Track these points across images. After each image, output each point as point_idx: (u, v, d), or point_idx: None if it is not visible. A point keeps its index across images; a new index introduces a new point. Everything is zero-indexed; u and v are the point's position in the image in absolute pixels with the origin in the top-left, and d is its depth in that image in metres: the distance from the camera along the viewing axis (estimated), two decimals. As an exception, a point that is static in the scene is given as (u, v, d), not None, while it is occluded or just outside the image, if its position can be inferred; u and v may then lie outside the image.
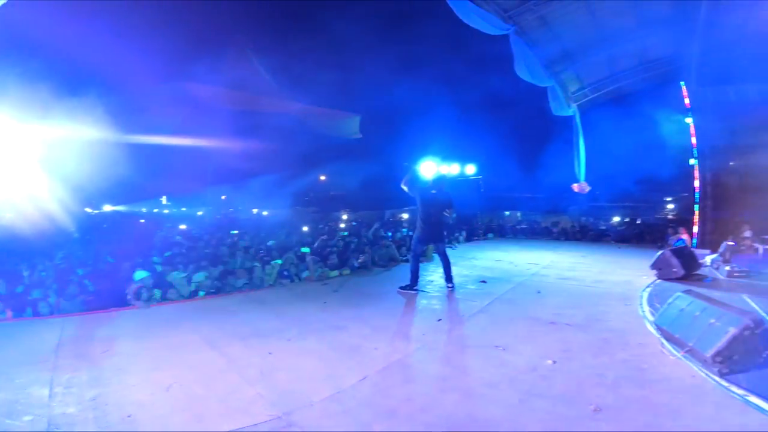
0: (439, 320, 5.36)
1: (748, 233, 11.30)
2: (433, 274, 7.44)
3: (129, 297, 6.03)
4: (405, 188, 7.00)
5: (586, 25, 9.64)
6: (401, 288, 6.84)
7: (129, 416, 2.95)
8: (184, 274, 6.96)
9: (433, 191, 6.98)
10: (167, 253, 8.43)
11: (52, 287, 6.39)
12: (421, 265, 7.21)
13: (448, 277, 6.93)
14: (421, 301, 6.37)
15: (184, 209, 27.81)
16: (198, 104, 15.33)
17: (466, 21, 7.04)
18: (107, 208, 25.78)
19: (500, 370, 3.76)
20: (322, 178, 30.84)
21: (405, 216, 19.84)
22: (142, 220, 19.35)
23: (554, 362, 3.88)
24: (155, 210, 28.25)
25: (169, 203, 29.79)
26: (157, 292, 6.19)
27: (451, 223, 8.86)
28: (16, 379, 3.44)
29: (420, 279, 6.98)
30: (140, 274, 6.43)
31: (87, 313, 5.52)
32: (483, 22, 7.17)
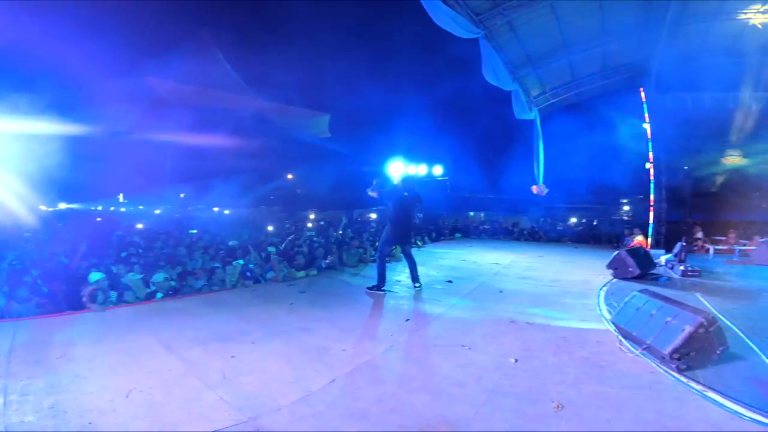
0: (407, 320, 5.39)
1: (699, 234, 11.87)
2: (400, 275, 7.47)
3: (84, 299, 5.76)
4: (373, 194, 7.02)
5: (551, 31, 9.91)
6: (369, 288, 6.83)
7: (89, 423, 2.84)
8: (140, 276, 6.71)
9: (405, 193, 7.01)
10: (123, 254, 8.11)
11: (2, 289, 6.04)
12: (388, 265, 7.23)
13: (415, 277, 6.98)
14: (389, 302, 6.39)
15: (141, 207, 26.95)
16: (158, 100, 14.86)
17: (438, 23, 7.09)
18: (62, 206, 24.67)
19: (467, 369, 3.80)
20: (289, 177, 30.46)
21: (373, 216, 19.88)
22: (99, 219, 18.57)
23: (517, 361, 3.96)
24: (111, 208, 27.25)
25: (125, 201, 28.79)
26: (113, 295, 5.94)
27: (418, 223, 8.91)
28: None
29: (387, 279, 6.97)
30: (95, 276, 6.15)
31: (40, 317, 5.22)
32: (455, 25, 7.25)
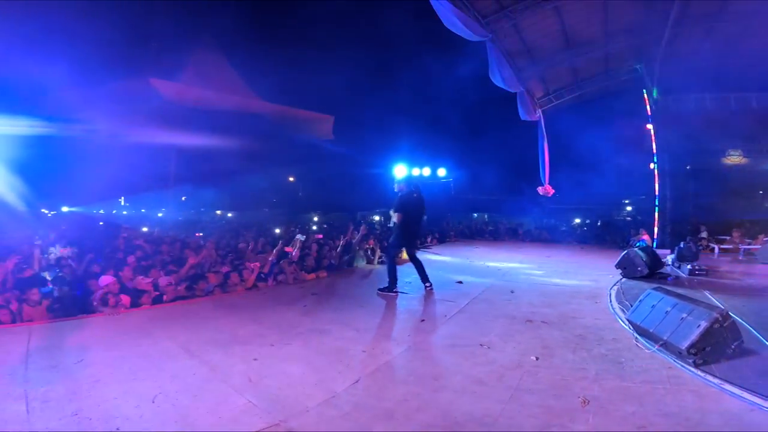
0: (423, 321, 5.41)
1: (704, 234, 11.92)
2: (410, 276, 7.47)
3: (95, 303, 5.77)
4: (395, 214, 6.95)
5: (555, 33, 9.97)
6: (380, 290, 6.85)
7: (117, 429, 2.79)
8: (149, 279, 6.71)
9: (415, 195, 7.02)
10: (131, 257, 8.11)
11: (13, 293, 6.03)
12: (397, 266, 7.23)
13: (425, 278, 6.98)
14: (402, 302, 6.42)
15: (143, 210, 26.85)
16: (161, 102, 14.85)
17: (447, 25, 7.13)
18: (64, 209, 24.61)
19: (488, 368, 3.83)
20: (291, 179, 30.43)
21: (376, 218, 19.89)
22: (101, 222, 18.51)
23: (537, 359, 4.00)
24: (114, 211, 27.16)
25: (127, 204, 28.70)
26: (125, 298, 5.94)
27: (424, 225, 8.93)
28: None
29: (398, 280, 6.97)
30: (105, 280, 6.17)
31: (53, 321, 5.18)
32: (464, 28, 7.28)
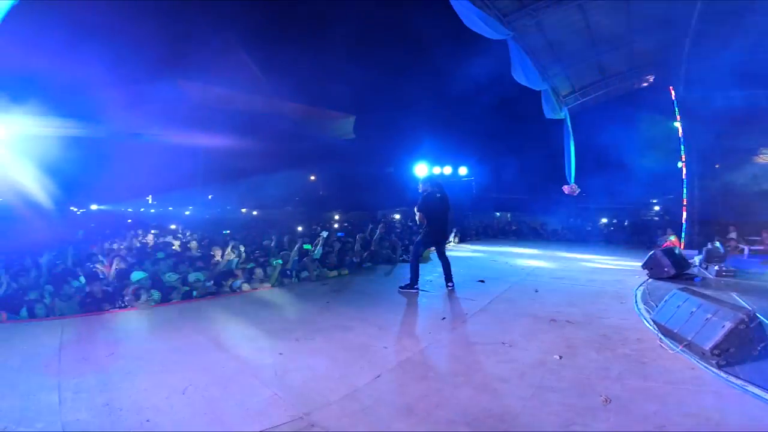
0: (443, 318, 5.43)
1: (733, 234, 11.61)
2: (431, 274, 7.51)
3: (127, 298, 5.96)
4: (417, 213, 7.08)
5: (579, 31, 9.82)
6: (401, 287, 6.89)
7: (147, 421, 2.87)
8: (178, 276, 6.91)
9: (438, 194, 7.06)
10: (160, 254, 8.34)
11: (46, 288, 6.27)
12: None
13: (449, 277, 7.01)
14: (423, 300, 6.46)
15: (170, 208, 27.47)
16: (187, 103, 15.21)
17: (468, 25, 7.11)
18: (93, 207, 25.31)
19: (510, 365, 3.85)
20: (312, 178, 30.74)
21: (397, 216, 19.91)
22: (129, 220, 19.02)
23: (560, 357, 4.00)
24: (142, 209, 27.84)
25: (155, 203, 29.39)
26: (156, 293, 6.13)
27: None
28: (21, 385, 3.32)
29: (419, 278, 7.00)
30: (138, 275, 6.37)
31: (85, 315, 5.35)
32: (485, 27, 7.25)
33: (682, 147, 12.60)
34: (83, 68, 12.35)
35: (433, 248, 7.53)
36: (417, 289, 6.82)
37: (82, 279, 6.53)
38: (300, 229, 13.54)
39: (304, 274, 7.85)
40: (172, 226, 14.72)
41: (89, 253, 8.91)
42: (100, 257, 7.94)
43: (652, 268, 8.00)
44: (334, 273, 8.22)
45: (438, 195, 7.05)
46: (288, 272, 7.60)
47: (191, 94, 15.24)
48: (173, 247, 9.39)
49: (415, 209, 7.10)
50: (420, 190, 7.20)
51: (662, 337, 4.47)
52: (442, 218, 7.11)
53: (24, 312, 5.43)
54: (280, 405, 3.14)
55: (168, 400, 3.16)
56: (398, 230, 14.46)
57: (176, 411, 3.02)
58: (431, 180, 7.43)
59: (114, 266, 7.18)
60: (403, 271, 7.31)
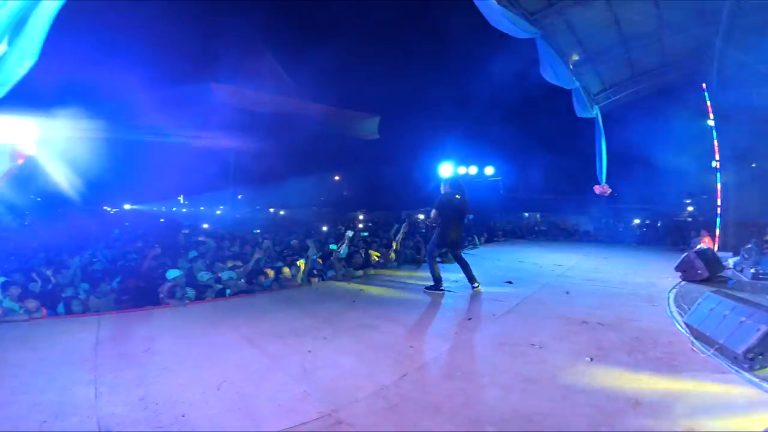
0: (470, 319, 5.43)
1: (770, 236, 11.19)
2: (457, 274, 7.48)
3: (162, 296, 6.14)
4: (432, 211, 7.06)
5: (608, 27, 9.64)
6: (427, 288, 6.90)
7: (182, 416, 2.95)
8: (211, 275, 7.09)
9: (457, 196, 7.01)
10: (194, 253, 8.57)
11: (82, 285, 6.51)
12: (444, 266, 7.25)
13: (471, 278, 6.96)
14: (448, 301, 6.45)
15: (202, 208, 28.10)
16: (218, 105, 15.50)
17: (494, 24, 7.05)
18: (127, 206, 26.13)
19: (539, 366, 3.83)
20: (336, 178, 30.98)
21: (421, 217, 19.89)
22: (162, 219, 19.57)
23: (591, 359, 3.96)
24: (174, 209, 28.56)
25: (186, 202, 30.11)
26: (190, 291, 6.30)
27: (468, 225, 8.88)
28: (59, 379, 3.42)
29: (444, 279, 7.00)
30: (173, 273, 6.56)
31: (121, 312, 5.50)
32: (511, 26, 7.18)
33: (717, 146, 12.22)
34: (117, 71, 12.76)
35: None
36: (442, 289, 6.80)
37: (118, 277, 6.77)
38: (324, 228, 13.68)
39: (330, 273, 7.96)
40: (205, 225, 15.06)
41: (124, 251, 9.24)
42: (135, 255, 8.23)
43: (685, 270, 7.81)
44: (360, 272, 8.29)
45: (457, 198, 6.98)
46: (314, 272, 7.71)
47: (222, 96, 15.53)
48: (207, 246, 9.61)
49: (434, 209, 7.05)
50: (442, 191, 7.15)
51: (694, 340, 4.39)
52: (458, 221, 7.01)
53: (61, 308, 5.65)
54: (309, 402, 3.20)
55: (203, 396, 3.24)
56: (423, 230, 14.44)
57: (211, 406, 3.10)
58: (453, 182, 7.31)
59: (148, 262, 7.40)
60: (428, 272, 7.29)
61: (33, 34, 2.49)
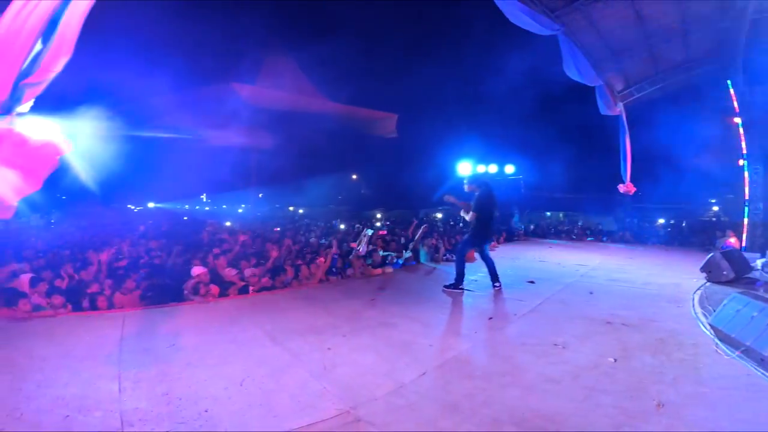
0: (491, 318, 5.38)
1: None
2: (476, 274, 7.44)
3: (186, 292, 6.24)
4: (470, 214, 6.93)
5: (631, 25, 9.48)
6: (446, 286, 6.86)
7: (205, 411, 2.98)
8: (235, 271, 7.18)
9: (491, 194, 6.96)
10: (217, 250, 8.67)
11: (106, 282, 6.63)
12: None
13: (495, 277, 6.91)
14: (468, 300, 6.41)
15: (224, 207, 28.49)
16: (241, 105, 15.68)
17: (514, 21, 6.99)
18: (151, 205, 26.62)
19: (561, 367, 3.79)
20: (354, 177, 31.06)
21: (439, 215, 19.83)
22: (186, 218, 19.88)
23: (615, 360, 3.91)
24: (197, 207, 29.02)
25: (209, 201, 30.56)
26: (214, 288, 6.39)
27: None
28: (83, 374, 3.45)
29: (464, 278, 6.95)
30: (197, 270, 6.66)
31: (145, 308, 5.56)
32: (532, 22, 7.11)
33: (743, 144, 11.91)
34: (141, 72, 13.00)
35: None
36: (462, 288, 6.77)
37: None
38: (342, 227, 13.74)
39: (350, 271, 7.99)
40: (227, 223, 15.27)
41: (148, 248, 9.41)
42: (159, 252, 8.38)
43: (710, 271, 7.63)
44: (379, 271, 8.31)
45: (491, 194, 6.94)
46: (333, 270, 7.75)
47: (243, 96, 15.70)
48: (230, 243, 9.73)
49: (463, 212, 6.98)
50: (467, 190, 7.09)
51: (719, 341, 4.31)
52: (491, 218, 6.99)
53: (86, 304, 5.72)
54: (328, 399, 3.22)
55: (226, 391, 3.27)
56: (440, 229, 14.40)
57: (233, 402, 3.13)
58: (478, 179, 7.27)
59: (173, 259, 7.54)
60: (447, 271, 7.26)
61: (66, 32, 2.58)
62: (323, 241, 11.05)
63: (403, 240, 10.92)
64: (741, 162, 12.07)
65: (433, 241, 10.40)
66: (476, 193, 6.94)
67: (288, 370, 3.70)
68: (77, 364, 3.65)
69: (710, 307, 5.55)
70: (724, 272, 7.42)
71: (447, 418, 2.98)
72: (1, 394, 3.10)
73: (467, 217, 6.92)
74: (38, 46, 2.51)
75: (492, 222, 7.08)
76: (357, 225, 15.28)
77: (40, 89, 2.60)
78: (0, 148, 2.33)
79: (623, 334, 4.69)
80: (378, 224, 17.35)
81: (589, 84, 9.84)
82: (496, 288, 6.82)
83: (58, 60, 2.60)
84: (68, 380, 3.35)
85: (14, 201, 2.45)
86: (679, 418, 2.93)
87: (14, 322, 4.69)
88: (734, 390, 3.32)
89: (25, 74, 2.48)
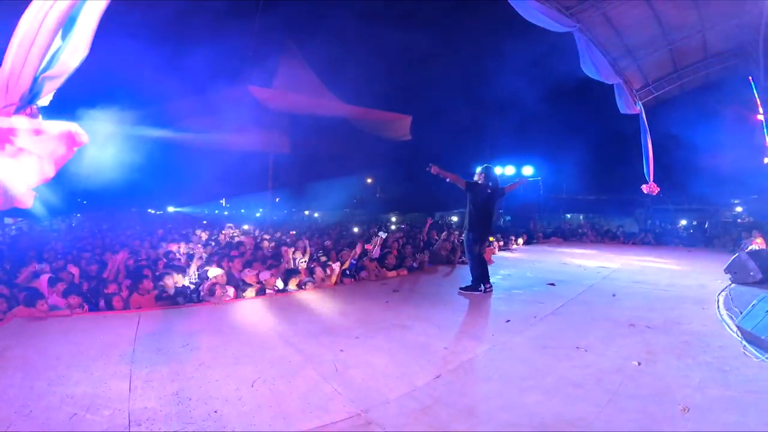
0: (508, 321, 5.24)
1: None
2: (494, 276, 7.30)
3: (202, 294, 6.26)
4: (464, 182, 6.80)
5: (647, 21, 9.29)
6: (462, 289, 6.75)
7: (215, 411, 2.94)
8: (253, 273, 7.17)
9: (489, 189, 6.84)
10: (234, 252, 8.70)
11: (122, 282, 6.67)
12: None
13: (486, 278, 6.75)
14: (485, 302, 6.28)
15: (243, 211, 28.79)
16: (258, 109, 15.79)
17: (529, 19, 6.89)
18: (170, 209, 26.98)
19: (584, 370, 3.66)
20: (369, 180, 31.07)
21: (454, 219, 19.67)
22: (205, 222, 20.05)
23: (639, 364, 3.77)
24: (216, 211, 29.36)
25: (227, 205, 30.90)
26: (230, 289, 6.39)
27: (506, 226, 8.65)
28: (95, 373, 3.45)
29: (482, 278, 6.78)
30: (214, 272, 6.67)
31: (161, 308, 5.60)
32: (547, 20, 7.00)
33: (767, 142, 11.57)
34: (160, 76, 13.17)
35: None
36: (480, 290, 6.63)
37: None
38: (356, 230, 13.71)
39: (364, 274, 7.93)
40: (245, 227, 15.37)
41: (166, 251, 9.49)
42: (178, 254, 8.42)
43: (735, 272, 7.38)
44: (394, 273, 8.23)
45: (489, 190, 6.80)
46: (347, 272, 7.70)
47: (261, 100, 15.80)
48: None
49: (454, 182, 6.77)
50: (475, 179, 6.94)
51: (746, 344, 4.14)
52: (487, 214, 6.83)
53: (102, 304, 5.78)
54: (339, 401, 3.15)
55: (237, 392, 3.22)
56: (456, 233, 14.25)
57: (244, 403, 3.08)
58: (488, 172, 7.02)
59: (195, 264, 7.56)
60: (463, 273, 7.13)
61: (84, 29, 2.61)
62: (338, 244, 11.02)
63: (420, 243, 10.85)
64: (766, 160, 11.74)
65: (448, 246, 10.28)
66: (480, 181, 6.83)
67: (300, 372, 3.64)
68: (90, 363, 3.65)
69: (737, 309, 5.35)
70: (751, 273, 7.17)
71: (462, 422, 2.88)
72: (12, 391, 3.10)
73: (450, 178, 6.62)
74: (57, 42, 2.55)
75: (489, 219, 6.92)
76: (372, 228, 15.25)
77: (59, 83, 2.64)
78: (20, 136, 2.37)
79: (647, 337, 4.54)
80: (393, 227, 17.27)
81: (606, 81, 9.66)
82: (488, 289, 6.65)
83: (76, 56, 2.64)
84: (79, 379, 3.34)
85: (33, 186, 2.49)
86: (707, 422, 2.80)
87: (31, 321, 4.74)
88: (763, 394, 3.17)
89: (45, 69, 2.52)
